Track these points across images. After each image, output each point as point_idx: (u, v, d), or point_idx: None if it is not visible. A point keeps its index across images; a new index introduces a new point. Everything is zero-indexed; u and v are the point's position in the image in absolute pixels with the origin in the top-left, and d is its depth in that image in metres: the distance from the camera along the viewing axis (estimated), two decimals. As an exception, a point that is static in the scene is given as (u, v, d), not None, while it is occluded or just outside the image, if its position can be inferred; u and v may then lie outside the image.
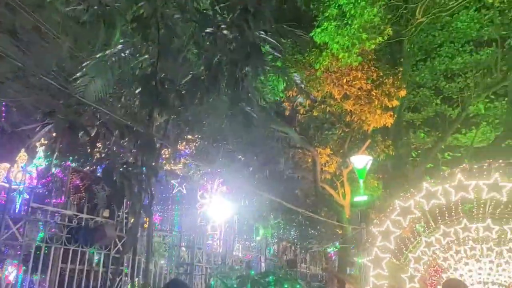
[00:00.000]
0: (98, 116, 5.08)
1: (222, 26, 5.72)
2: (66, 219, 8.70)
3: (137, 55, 6.30)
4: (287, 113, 14.62)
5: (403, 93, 14.29)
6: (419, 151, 20.48)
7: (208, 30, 5.87)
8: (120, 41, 6.50)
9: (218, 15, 6.11)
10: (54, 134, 4.24)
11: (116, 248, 9.40)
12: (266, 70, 6.39)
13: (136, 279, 9.74)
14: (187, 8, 5.76)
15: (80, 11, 6.87)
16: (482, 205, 11.21)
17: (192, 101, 5.39)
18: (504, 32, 17.15)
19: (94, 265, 9.34)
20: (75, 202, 9.55)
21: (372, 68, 14.10)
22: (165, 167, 15.86)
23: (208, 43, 6.09)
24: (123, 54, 6.21)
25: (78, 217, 8.81)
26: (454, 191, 10.54)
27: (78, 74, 6.13)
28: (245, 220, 22.09)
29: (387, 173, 17.33)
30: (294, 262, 23.82)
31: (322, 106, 14.65)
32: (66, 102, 5.12)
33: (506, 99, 18.91)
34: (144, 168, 5.06)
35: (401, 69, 15.29)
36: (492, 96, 18.94)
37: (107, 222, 9.14)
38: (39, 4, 7.33)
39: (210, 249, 17.89)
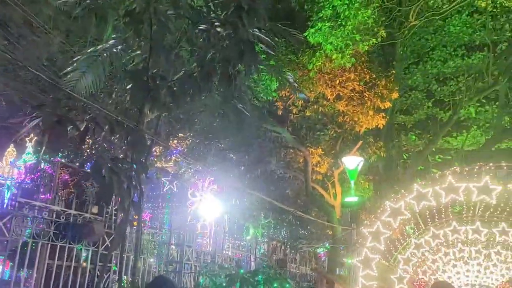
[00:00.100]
0: (88, 111, 5.01)
1: (216, 23, 5.67)
2: (54, 215, 8.59)
3: (129, 51, 6.24)
4: (279, 112, 14.59)
5: (395, 95, 14.35)
6: (410, 154, 20.59)
7: (202, 27, 5.83)
8: (112, 36, 6.44)
9: (211, 12, 6.07)
10: (42, 128, 4.18)
11: (104, 245, 9.32)
12: (259, 69, 6.37)
13: (125, 277, 9.66)
14: (180, 4, 5.72)
15: (72, 5, 6.80)
16: (472, 208, 11.29)
17: (183, 98, 5.34)
18: (496, 37, 17.31)
19: (81, 261, 9.25)
20: (64, 198, 9.44)
21: (365, 69, 14.14)
22: (156, 165, 15.79)
23: (201, 40, 6.05)
24: (115, 50, 6.14)
25: (66, 213, 8.71)
26: (445, 193, 10.59)
27: (68, 69, 6.05)
28: (235, 219, 22.05)
29: (378, 174, 17.40)
30: (284, 261, 23.83)
31: (315, 106, 14.65)
32: (55, 96, 5.04)
33: (497, 103, 19.08)
34: (134, 164, 5.00)
35: (393, 71, 15.36)
36: (483, 100, 19.11)
37: (95, 219, 9.05)
38: (30, -4, 7.23)
39: (200, 247, 17.83)
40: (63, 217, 8.63)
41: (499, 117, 19.02)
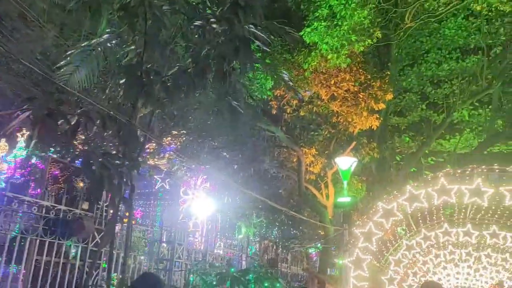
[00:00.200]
0: (80, 105, 4.94)
1: (212, 19, 5.62)
2: (43, 210, 8.48)
3: (124, 46, 6.17)
4: (274, 112, 14.57)
5: (389, 96, 14.37)
6: (403, 155, 20.67)
7: (197, 23, 5.77)
8: (107, 30, 6.36)
9: (207, 8, 6.02)
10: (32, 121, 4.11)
11: (94, 242, 9.22)
12: (255, 67, 6.31)
13: (114, 274, 9.58)
14: (176, -1, 5.66)
15: (66, -2, 6.71)
16: (463, 210, 11.33)
17: (177, 94, 5.28)
18: (491, 41, 17.42)
19: (70, 258, 9.14)
20: (54, 193, 9.33)
21: (360, 70, 14.14)
22: (149, 162, 15.71)
23: (196, 36, 5.99)
24: (109, 44, 6.07)
25: (56, 208, 8.60)
26: (437, 195, 10.62)
27: (62, 63, 5.98)
28: (227, 218, 22.01)
29: (371, 175, 17.43)
30: (275, 261, 23.82)
31: (309, 106, 14.64)
32: (47, 89, 4.97)
33: (490, 107, 19.20)
34: (125, 160, 4.94)
35: (388, 72, 15.37)
36: (477, 104, 19.23)
37: (86, 215, 8.95)
38: (23, -11, 7.12)
39: (191, 245, 17.77)
40: (52, 213, 8.51)
41: (492, 120, 19.15)
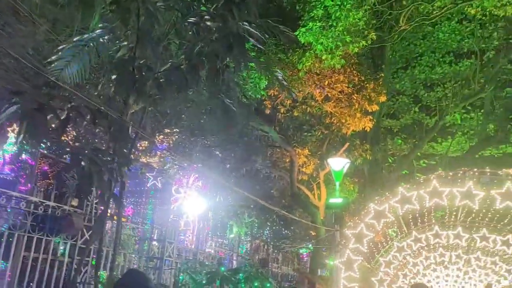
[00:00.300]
0: (70, 100, 4.86)
1: (206, 16, 5.58)
2: (32, 206, 8.37)
3: (116, 41, 6.11)
4: (267, 111, 14.53)
5: (383, 98, 14.39)
6: (395, 157, 20.73)
7: (191, 19, 5.72)
8: (99, 25, 6.29)
9: (201, 5, 5.97)
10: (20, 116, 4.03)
11: (83, 239, 9.13)
12: (248, 65, 6.27)
13: (103, 272, 9.49)
14: (170, -5, 5.61)
15: (59, -8, 6.63)
16: (454, 213, 11.37)
17: (170, 90, 5.23)
18: (484, 45, 17.52)
19: (59, 255, 9.04)
20: (42, 189, 9.22)
21: (354, 72, 14.14)
22: (141, 160, 15.61)
23: (190, 33, 5.94)
24: (101, 40, 6.00)
25: (44, 204, 8.50)
26: (429, 197, 10.64)
27: (53, 57, 5.90)
28: (219, 217, 21.94)
29: (363, 177, 17.46)
30: (266, 261, 23.79)
31: (303, 106, 14.62)
32: (36, 84, 4.89)
33: (482, 111, 19.31)
34: (116, 156, 4.88)
35: (382, 74, 15.40)
36: (469, 107, 19.33)
37: (75, 212, 8.86)
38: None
39: (182, 244, 17.68)
40: (41, 209, 8.41)
41: (483, 124, 19.26)
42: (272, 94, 13.84)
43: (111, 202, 5.42)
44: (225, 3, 5.18)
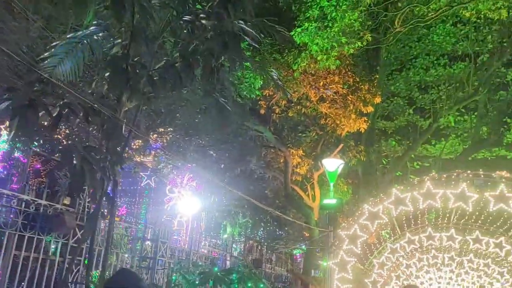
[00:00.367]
0: (63, 97, 4.80)
1: (201, 15, 5.54)
2: (23, 204, 8.28)
3: (111, 39, 6.05)
4: (262, 112, 14.51)
5: (378, 99, 14.44)
6: (389, 159, 20.80)
7: (186, 18, 5.68)
8: (93, 22, 6.23)
9: (197, 3, 5.93)
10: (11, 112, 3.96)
11: (75, 238, 9.04)
12: (243, 64, 6.24)
13: (96, 272, 9.41)
14: (165, -8, 5.57)
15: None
16: (447, 215, 11.40)
17: (164, 88, 5.18)
18: (478, 48, 17.64)
19: (50, 253, 8.95)
20: (34, 187, 9.12)
21: (349, 73, 14.16)
22: (135, 159, 15.53)
23: (185, 31, 5.90)
24: (95, 37, 5.94)
25: (36, 203, 8.41)
26: (422, 198, 10.66)
27: (46, 54, 5.84)
28: (213, 217, 21.88)
29: (357, 178, 17.50)
30: (259, 261, 23.76)
31: (298, 107, 14.62)
32: (28, 80, 4.83)
33: (475, 113, 19.42)
34: (108, 155, 4.82)
35: (377, 76, 15.45)
36: (463, 110, 19.46)
37: (67, 210, 8.77)
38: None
39: (175, 244, 17.61)
40: (32, 207, 8.32)
41: (477, 127, 19.37)
42: (267, 94, 13.82)
43: (103, 201, 5.37)
44: (220, 1, 5.14)
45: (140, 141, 13.67)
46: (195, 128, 13.28)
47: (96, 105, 4.65)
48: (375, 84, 14.71)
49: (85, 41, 5.82)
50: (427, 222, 11.93)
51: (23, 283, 8.54)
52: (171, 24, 6.17)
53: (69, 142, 11.33)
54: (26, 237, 8.38)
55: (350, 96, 14.02)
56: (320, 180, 15.99)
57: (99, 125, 5.13)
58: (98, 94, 5.48)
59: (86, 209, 9.20)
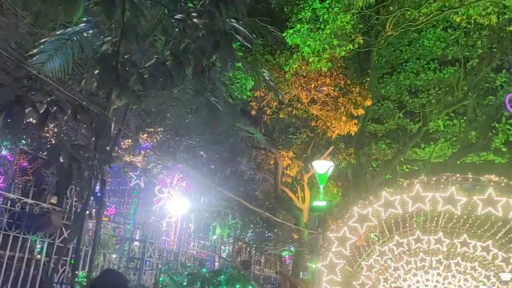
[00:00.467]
0: (51, 94, 4.72)
1: (193, 13, 5.49)
2: (9, 203, 8.13)
3: (101, 36, 5.98)
4: (253, 113, 14.46)
5: (369, 102, 14.48)
6: (379, 162, 20.88)
7: (178, 16, 5.63)
8: (83, 19, 6.15)
9: (188, 1, 5.88)
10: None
11: (61, 238, 8.90)
12: (235, 65, 6.19)
13: (82, 273, 9.28)
14: (157, -10, 5.52)
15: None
16: (436, 218, 11.47)
17: (154, 86, 5.12)
18: (468, 53, 17.81)
19: (35, 253, 8.80)
20: (20, 186, 8.97)
21: (340, 75, 14.19)
22: (124, 158, 15.39)
23: (176, 30, 5.85)
24: (85, 34, 5.86)
25: (22, 201, 8.27)
26: (412, 201, 10.71)
27: (34, 51, 5.75)
28: (202, 218, 21.79)
29: (347, 181, 17.54)
30: (248, 263, 23.69)
31: (289, 109, 14.60)
32: (16, 76, 4.74)
33: (464, 118, 19.59)
34: (97, 153, 4.75)
35: (368, 79, 15.50)
36: (452, 114, 19.61)
37: (54, 210, 8.63)
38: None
39: (164, 245, 17.49)
40: (18, 206, 8.18)
41: (466, 131, 19.53)
42: (258, 96, 13.79)
43: (91, 200, 5.29)
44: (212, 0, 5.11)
45: (129, 140, 13.55)
46: (186, 128, 13.19)
47: (84, 103, 4.57)
48: (366, 87, 14.75)
49: (74, 38, 5.74)
50: (415, 225, 12.00)
51: (7, 284, 8.38)
52: (162, 23, 6.11)
53: (57, 140, 11.18)
54: (11, 236, 8.23)
55: (341, 98, 14.05)
56: (310, 182, 15.99)
57: (88, 123, 5.06)
58: (87, 91, 5.40)
59: (74, 209, 9.06)
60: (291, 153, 15.36)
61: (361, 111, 14.34)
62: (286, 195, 16.65)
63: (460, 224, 11.41)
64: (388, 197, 10.97)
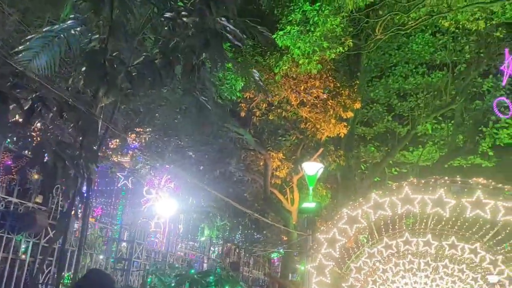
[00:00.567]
0: (36, 90, 4.63)
1: (183, 12, 5.44)
2: (-8, 202, 7.99)
3: (89, 34, 5.90)
4: (242, 114, 14.42)
5: (358, 105, 14.53)
6: (368, 165, 20.98)
7: (167, 15, 5.58)
8: (71, 16, 6.07)
9: (179, 0, 5.84)
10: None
11: (47, 237, 8.75)
12: (225, 65, 6.15)
13: (68, 273, 9.14)
14: (146, -13, 5.46)
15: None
16: (425, 220, 11.51)
17: (142, 85, 5.05)
18: (456, 58, 18.01)
19: (20, 253, 8.64)
20: (4, 184, 8.82)
21: (330, 78, 14.22)
22: (112, 158, 15.25)
23: (166, 28, 5.79)
24: (73, 31, 5.78)
25: (6, 200, 8.12)
26: (401, 203, 10.74)
27: (20, 47, 5.65)
28: (190, 219, 21.67)
29: (336, 183, 17.57)
30: (237, 264, 23.61)
31: (278, 110, 14.59)
32: (2, 73, 4.64)
33: (452, 122, 19.78)
34: (83, 151, 4.66)
35: (357, 82, 15.57)
36: (440, 118, 19.79)
37: (39, 209, 8.49)
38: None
39: (152, 246, 17.35)
40: (2, 205, 8.03)
41: (453, 135, 19.72)
42: (248, 97, 13.76)
43: (77, 200, 5.20)
44: (202, -2, 5.06)
45: (117, 140, 13.41)
46: (175, 128, 13.11)
47: (71, 100, 4.49)
48: (355, 90, 14.81)
49: (62, 35, 5.66)
50: (404, 227, 12.04)
51: (-10, 285, 8.22)
52: (151, 21, 6.05)
53: (42, 137, 10.97)
54: (-5, 236, 8.09)
55: (331, 101, 14.08)
56: (299, 184, 15.99)
57: (75, 121, 4.97)
58: (74, 89, 5.32)
59: (59, 208, 8.93)
60: (281, 154, 15.35)
61: (350, 114, 14.39)
62: (275, 196, 16.63)
63: (449, 226, 11.47)
64: (377, 199, 10.99)
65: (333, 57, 12.68)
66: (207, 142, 14.41)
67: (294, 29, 11.53)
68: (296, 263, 16.67)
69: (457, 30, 16.44)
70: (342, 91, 14.30)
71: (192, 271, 12.87)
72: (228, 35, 4.86)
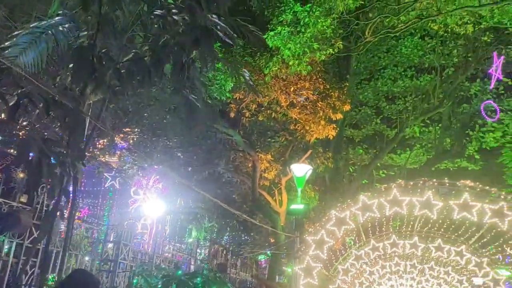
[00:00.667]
0: (22, 86, 4.53)
1: (173, 10, 5.38)
2: (-25, 201, 7.81)
3: (77, 31, 5.80)
4: (232, 115, 14.35)
5: (347, 107, 14.56)
6: (356, 167, 21.05)
7: (157, 12, 5.51)
8: (59, 12, 5.97)
9: (169, -3, 5.77)
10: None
11: (31, 238, 8.59)
12: (215, 64, 6.09)
13: (52, 275, 8.98)
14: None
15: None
16: (412, 223, 11.57)
17: (131, 82, 4.97)
18: (444, 62, 18.18)
19: (3, 254, 8.46)
20: (-13, 183, 8.64)
21: (320, 79, 14.24)
22: (99, 158, 15.07)
23: (156, 26, 5.73)
24: (61, 28, 5.68)
25: (-10, 200, 7.95)
26: (389, 205, 10.78)
27: (7, 43, 5.54)
28: (178, 220, 21.52)
29: (324, 185, 17.59)
30: (224, 266, 23.50)
31: (268, 111, 14.56)
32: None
33: (440, 125, 19.95)
34: (69, 149, 4.57)
35: (347, 84, 15.61)
36: (428, 121, 19.94)
37: (23, 209, 8.33)
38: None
39: (138, 247, 17.19)
40: (-15, 204, 7.87)
41: (441, 138, 19.89)
42: (238, 98, 13.71)
43: (63, 200, 5.10)
44: (193, -5, 5.00)
45: (105, 140, 13.26)
46: (163, 128, 13.00)
47: (57, 96, 4.39)
48: (345, 91, 14.84)
49: (49, 31, 5.55)
50: (391, 230, 12.09)
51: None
52: (141, 18, 5.98)
53: (27, 134, 10.80)
54: (-23, 236, 7.90)
55: (320, 102, 14.09)
56: (288, 185, 15.97)
57: (61, 118, 4.87)
58: (61, 85, 5.21)
59: (44, 208, 8.76)
60: (270, 156, 15.31)
61: (339, 116, 14.43)
62: (264, 198, 16.58)
63: (435, 228, 11.55)
64: (366, 200, 11.02)
65: (323, 58, 12.69)
66: (195, 142, 14.31)
67: (285, 29, 11.52)
68: (283, 265, 16.65)
69: (445, 34, 16.60)
70: (332, 93, 14.32)
71: (179, 272, 12.75)
72: (219, 32, 4.81)
